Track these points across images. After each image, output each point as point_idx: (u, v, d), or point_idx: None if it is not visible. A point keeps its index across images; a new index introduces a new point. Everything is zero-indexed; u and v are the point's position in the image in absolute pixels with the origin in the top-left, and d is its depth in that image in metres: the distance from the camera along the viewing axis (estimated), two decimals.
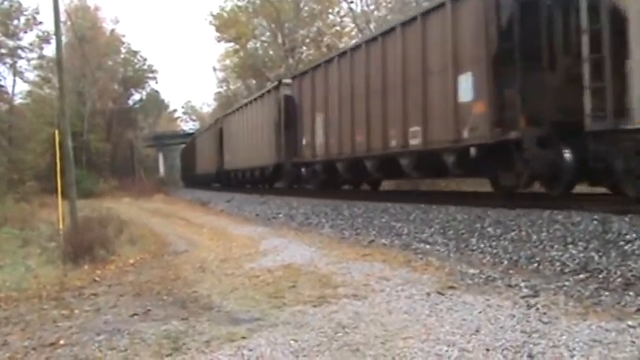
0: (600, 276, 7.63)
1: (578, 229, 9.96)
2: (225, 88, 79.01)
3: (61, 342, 6.48)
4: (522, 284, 7.66)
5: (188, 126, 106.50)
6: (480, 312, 6.53)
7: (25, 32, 56.95)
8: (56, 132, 20.73)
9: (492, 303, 6.87)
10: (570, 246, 9.15)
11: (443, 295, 7.45)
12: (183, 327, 6.74)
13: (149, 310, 7.82)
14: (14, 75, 58.01)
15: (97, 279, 10.97)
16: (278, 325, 6.55)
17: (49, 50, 59.16)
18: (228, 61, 71.97)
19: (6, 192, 37.73)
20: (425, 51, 16.82)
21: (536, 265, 8.70)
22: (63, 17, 41.07)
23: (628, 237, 8.95)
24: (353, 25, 51.69)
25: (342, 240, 13.45)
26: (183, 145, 76.26)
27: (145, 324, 7.02)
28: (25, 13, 55.92)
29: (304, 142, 25.82)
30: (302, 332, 6.22)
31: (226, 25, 61.65)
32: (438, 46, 16.16)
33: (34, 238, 18.95)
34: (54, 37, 25.79)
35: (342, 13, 55.69)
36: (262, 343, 5.92)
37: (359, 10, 50.37)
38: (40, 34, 58.25)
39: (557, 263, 8.50)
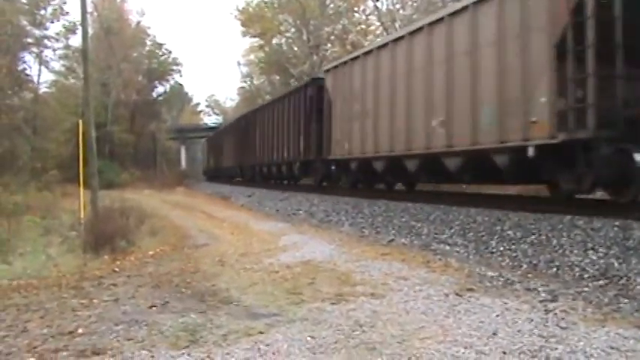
0: (620, 283, 7.60)
1: (598, 234, 9.91)
2: (249, 83, 79.09)
3: (80, 331, 6.51)
4: (541, 288, 7.64)
5: (211, 120, 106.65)
6: (497, 315, 6.52)
7: (52, 22, 56.97)
8: (80, 122, 20.83)
9: (510, 306, 6.85)
10: (590, 251, 9.11)
11: (461, 296, 7.44)
12: (201, 320, 6.76)
13: (167, 302, 7.84)
14: (40, 64, 58.29)
15: (116, 269, 11.02)
16: (295, 321, 6.56)
17: (75, 40, 59.42)
18: (252, 56, 71.99)
19: (29, 180, 37.92)
20: (288, 114, 31.68)
21: (555, 269, 8.67)
22: (90, 8, 41.23)
23: None
24: (378, 24, 51.63)
25: (362, 238, 13.45)
26: (204, 139, 76.33)
27: (163, 316, 7.05)
28: (52, 3, 56.13)
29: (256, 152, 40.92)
30: (319, 329, 6.23)
31: (252, 20, 61.66)
32: (294, 111, 30.42)
33: (56, 227, 19.07)
34: (80, 27, 25.92)
35: (367, 12, 55.62)
36: (279, 339, 5.93)
37: (384, 8, 50.30)
38: (67, 24, 58.43)
39: (577, 268, 8.47)
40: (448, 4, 33.91)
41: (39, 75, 59.85)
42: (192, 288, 8.79)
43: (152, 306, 7.64)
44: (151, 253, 13.13)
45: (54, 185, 37.63)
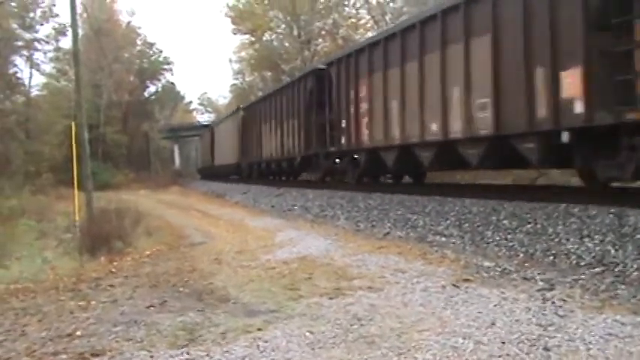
0: (616, 269, 7.61)
1: (594, 222, 9.92)
2: (240, 80, 78.95)
3: (78, 333, 6.50)
4: (538, 277, 7.65)
5: (204, 118, 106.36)
6: (495, 305, 6.53)
7: (42, 24, 57.03)
8: (73, 124, 20.79)
9: (508, 296, 6.86)
10: (586, 239, 9.12)
11: (458, 287, 7.45)
12: (200, 318, 6.76)
13: (165, 301, 7.84)
14: (31, 67, 58.24)
15: (113, 270, 11.02)
16: (294, 317, 6.56)
17: (66, 42, 59.33)
18: (243, 53, 71.88)
19: (23, 184, 37.89)
20: (226, 131, 47.21)
21: (552, 258, 8.68)
22: (79, 9, 41.12)
23: None
24: (369, 17, 51.61)
25: (358, 232, 13.46)
26: (198, 136, 76.13)
27: (161, 315, 7.05)
28: (41, 5, 56.04)
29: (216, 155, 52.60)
30: (318, 324, 6.24)
31: (242, 17, 61.50)
32: (231, 130, 44.69)
33: (51, 230, 19.06)
34: (70, 29, 25.87)
35: (357, 5, 55.52)
36: (278, 335, 5.93)
37: (374, 1, 50.30)
38: (57, 26, 58.37)
39: (573, 256, 8.48)
40: None
41: (30, 78, 59.60)
42: (190, 287, 8.80)
43: (150, 306, 7.64)
44: (147, 253, 13.13)
45: (48, 188, 37.65)
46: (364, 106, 20.11)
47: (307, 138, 26.39)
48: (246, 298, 7.71)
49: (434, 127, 15.89)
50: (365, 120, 20.05)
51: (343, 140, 22.13)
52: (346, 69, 21.65)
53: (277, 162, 32.68)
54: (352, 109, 21.07)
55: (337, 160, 23.86)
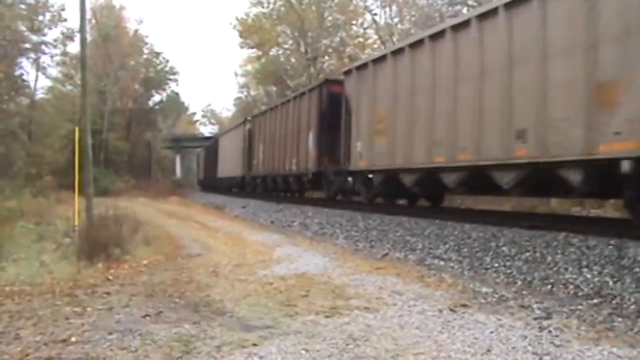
0: (614, 302, 7.60)
1: (593, 252, 9.92)
2: (245, 93, 79.28)
3: (73, 339, 6.48)
4: (535, 305, 7.64)
5: (207, 130, 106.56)
6: (491, 331, 6.52)
7: (50, 28, 56.96)
8: (76, 129, 20.78)
9: (504, 323, 6.85)
10: (585, 269, 9.11)
11: (455, 312, 7.43)
12: (195, 331, 6.74)
13: (161, 311, 7.82)
14: (37, 70, 58.28)
15: (110, 278, 10.97)
16: (290, 334, 6.55)
17: (73, 47, 59.35)
18: (249, 67, 72.25)
19: (23, 186, 37.83)
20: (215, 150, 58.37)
21: (549, 286, 8.67)
22: (88, 15, 41.22)
23: None
24: (376, 37, 51.71)
25: (356, 252, 13.44)
26: (200, 149, 76.18)
27: (156, 325, 7.03)
28: (50, 9, 56.10)
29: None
30: (313, 342, 6.22)
31: (250, 30, 61.59)
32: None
33: (50, 233, 18.98)
34: (78, 34, 25.94)
35: (365, 25, 55.75)
36: (273, 351, 5.92)
37: (382, 22, 50.44)
38: (65, 31, 58.43)
39: (571, 286, 8.47)
40: (446, 19, 34.08)
41: (36, 81, 59.80)
42: (186, 298, 8.77)
43: (146, 315, 7.62)
44: (144, 262, 13.07)
45: (49, 191, 37.50)
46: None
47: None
48: (242, 313, 7.69)
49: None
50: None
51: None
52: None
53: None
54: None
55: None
